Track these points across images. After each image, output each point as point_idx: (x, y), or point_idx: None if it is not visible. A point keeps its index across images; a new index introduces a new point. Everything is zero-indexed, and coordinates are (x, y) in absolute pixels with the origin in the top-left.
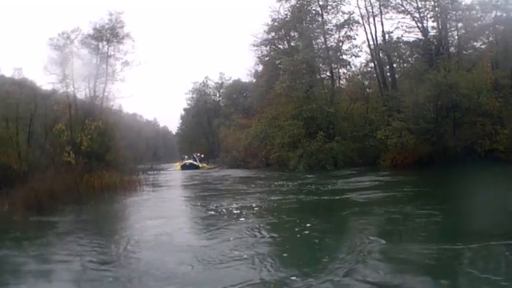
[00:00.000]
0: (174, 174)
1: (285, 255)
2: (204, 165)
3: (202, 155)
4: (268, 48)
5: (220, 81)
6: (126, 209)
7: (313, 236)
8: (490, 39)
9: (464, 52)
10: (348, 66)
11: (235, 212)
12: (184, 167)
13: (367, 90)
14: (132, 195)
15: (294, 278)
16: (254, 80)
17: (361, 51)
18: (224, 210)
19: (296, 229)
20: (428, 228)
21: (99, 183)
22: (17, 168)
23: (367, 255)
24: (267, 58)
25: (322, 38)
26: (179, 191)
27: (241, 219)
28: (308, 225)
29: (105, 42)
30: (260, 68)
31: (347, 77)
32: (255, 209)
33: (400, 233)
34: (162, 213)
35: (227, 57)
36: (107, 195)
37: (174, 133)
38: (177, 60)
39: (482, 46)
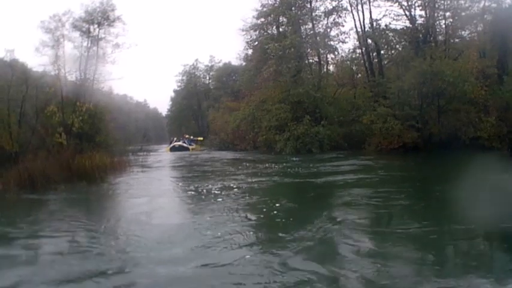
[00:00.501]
0: (163, 155)
1: (255, 233)
2: (193, 146)
3: (192, 137)
4: (257, 32)
5: (210, 64)
6: (115, 189)
7: (283, 215)
8: (478, 28)
9: (451, 41)
10: (336, 52)
11: (216, 192)
12: (173, 149)
13: (356, 75)
14: (122, 176)
15: (260, 254)
16: (244, 64)
17: (348, 37)
18: (206, 190)
19: (269, 209)
20: (400, 210)
21: (90, 164)
22: (8, 149)
23: (327, 232)
24: (256, 43)
25: (310, 24)
26: (167, 171)
27: (220, 199)
28: (280, 205)
29: (96, 25)
30: (250, 52)
31: (335, 62)
32: (236, 189)
33: (368, 213)
34: (148, 192)
35: (217, 40)
36: (98, 176)
37: (164, 115)
38: (168, 43)
39: (470, 35)
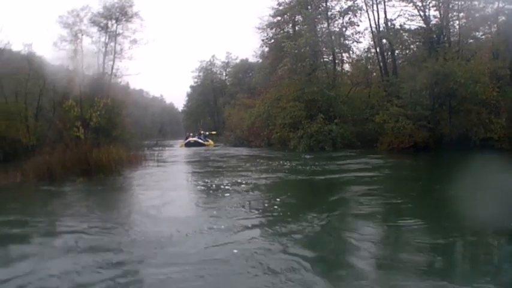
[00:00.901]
0: (178, 150)
1: (260, 226)
2: (209, 142)
3: (208, 133)
4: (273, 30)
5: (226, 61)
6: (131, 182)
7: (294, 211)
8: (492, 29)
9: (465, 41)
10: (351, 52)
11: (227, 187)
12: (188, 145)
13: (371, 75)
14: (138, 169)
15: (264, 246)
16: (260, 61)
17: (363, 37)
18: (218, 185)
19: (277, 204)
20: (405, 207)
21: (107, 157)
22: (25, 141)
23: (333, 227)
24: (272, 41)
25: (325, 23)
26: (181, 166)
27: (230, 194)
28: (289, 201)
29: (114, 21)
30: (266, 49)
31: (351, 61)
32: (248, 185)
33: (370, 208)
34: (161, 186)
35: (234, 37)
36: (115, 169)
37: (180, 110)
38: (185, 39)
39: (483, 36)
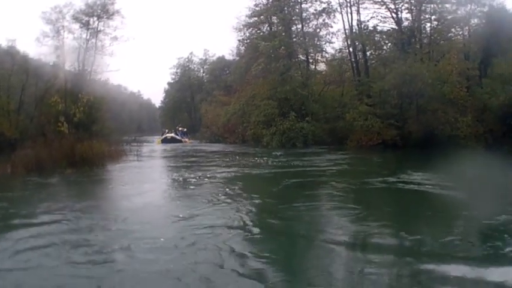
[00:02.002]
0: (156, 146)
1: (222, 214)
2: (186, 140)
3: (185, 129)
4: (250, 30)
5: (204, 58)
6: (113, 174)
7: (263, 202)
8: (464, 31)
9: (436, 43)
10: (324, 52)
11: (198, 180)
12: (165, 141)
13: (345, 74)
14: (119, 163)
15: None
16: (237, 59)
17: (336, 38)
18: (192, 178)
19: (245, 196)
20: (363, 199)
21: (91, 151)
22: (8, 135)
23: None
24: (248, 41)
25: (300, 24)
26: (159, 161)
27: (199, 185)
28: (257, 192)
29: (95, 18)
30: (242, 48)
31: (325, 60)
32: (220, 177)
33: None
34: (140, 178)
35: (212, 33)
36: (98, 162)
37: (158, 106)
38: (162, 36)
39: (454, 38)
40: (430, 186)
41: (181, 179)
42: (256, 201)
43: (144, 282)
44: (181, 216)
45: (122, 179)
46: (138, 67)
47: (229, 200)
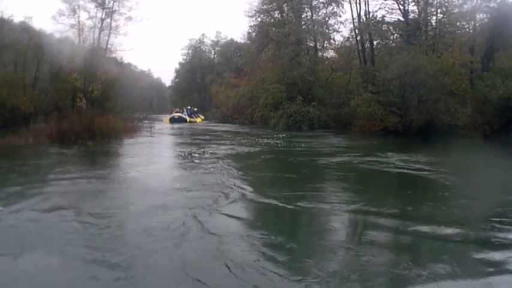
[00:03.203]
0: (165, 124)
1: (218, 187)
2: (196, 119)
3: (196, 109)
4: (262, 16)
5: (216, 40)
6: (130, 147)
7: (262, 176)
8: (470, 25)
9: (441, 35)
10: (332, 40)
11: (207, 155)
12: (172, 120)
13: (353, 61)
14: (134, 138)
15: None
16: (248, 42)
17: (344, 27)
18: (198, 153)
19: (250, 174)
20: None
21: (108, 126)
22: (24, 109)
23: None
24: (259, 27)
25: (310, 12)
26: (170, 137)
27: (205, 160)
28: (261, 170)
29: None
30: (254, 33)
31: (333, 47)
32: (229, 154)
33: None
34: (154, 152)
35: (223, 16)
36: (114, 136)
37: (168, 85)
38: (172, 16)
39: (459, 31)
40: (422, 169)
41: (188, 154)
42: (260, 174)
43: (138, 233)
44: (180, 186)
45: (136, 152)
46: (148, 46)
47: (229, 172)
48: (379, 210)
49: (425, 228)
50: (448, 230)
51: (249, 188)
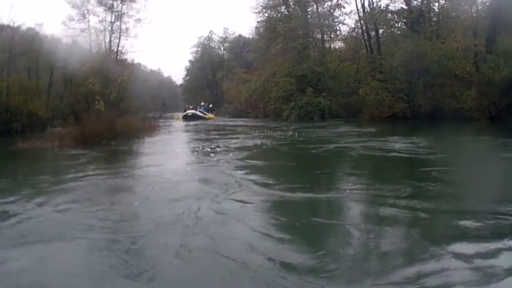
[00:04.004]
0: (177, 123)
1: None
2: (211, 115)
3: (211, 105)
4: (269, 11)
5: (224, 36)
6: (150, 145)
7: (275, 166)
8: (471, 9)
9: (444, 20)
10: (338, 32)
11: (226, 149)
12: (186, 118)
13: (360, 51)
14: (153, 136)
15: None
16: (256, 37)
17: (349, 18)
18: (218, 147)
19: (271, 164)
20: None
21: (128, 126)
22: (41, 114)
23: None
24: (266, 22)
25: (315, 5)
26: (188, 134)
27: (225, 153)
28: (279, 160)
29: (119, 1)
30: (261, 28)
31: (341, 38)
32: (247, 146)
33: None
34: (174, 149)
35: (231, 12)
36: (135, 136)
37: (178, 84)
38: (178, 15)
39: (462, 16)
40: (430, 151)
41: (207, 148)
42: (278, 163)
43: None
44: (200, 177)
45: (158, 149)
46: (156, 46)
47: (249, 162)
48: (391, 191)
49: (437, 206)
50: (460, 207)
51: (267, 177)
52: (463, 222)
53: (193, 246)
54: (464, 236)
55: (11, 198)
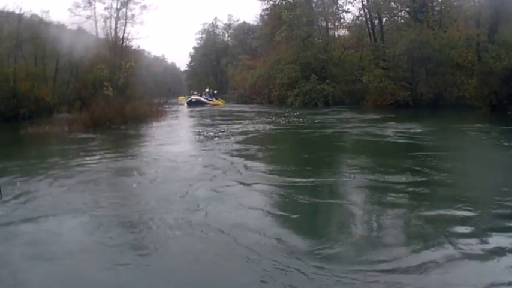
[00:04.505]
0: (184, 109)
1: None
2: (218, 102)
3: (216, 91)
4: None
5: (228, 23)
6: (159, 129)
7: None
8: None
9: (447, 10)
10: (342, 20)
11: (229, 133)
12: (190, 104)
13: (364, 39)
14: (160, 121)
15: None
16: (261, 24)
17: (353, 6)
18: (222, 132)
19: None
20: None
21: (137, 111)
22: (48, 100)
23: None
24: (272, 9)
25: None
26: (195, 118)
27: (229, 136)
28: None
29: None
30: (266, 16)
31: (345, 26)
32: (247, 131)
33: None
34: (180, 133)
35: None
36: (144, 120)
37: (182, 70)
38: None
39: (465, 5)
40: (431, 137)
41: (213, 132)
42: (281, 147)
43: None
44: (204, 161)
45: (165, 133)
46: (160, 32)
47: (253, 146)
48: (390, 174)
49: (436, 190)
50: (459, 192)
51: (268, 160)
52: (462, 209)
53: (194, 221)
54: (463, 221)
55: (27, 178)
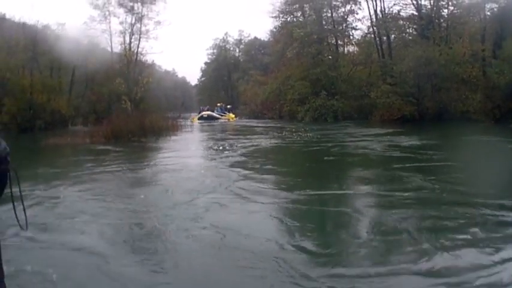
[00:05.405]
0: (195, 122)
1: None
2: (230, 117)
3: (229, 106)
4: (285, 15)
5: (239, 38)
6: (177, 141)
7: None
8: (480, 15)
9: (453, 26)
10: (351, 37)
11: (243, 146)
12: (201, 119)
13: (373, 55)
14: (178, 134)
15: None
16: (271, 39)
17: (362, 24)
18: (236, 145)
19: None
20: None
21: (155, 124)
22: (64, 112)
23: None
24: (283, 26)
25: (329, 11)
26: (209, 132)
27: (241, 150)
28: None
29: (139, 3)
30: (276, 32)
31: (354, 42)
32: (260, 145)
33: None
34: (197, 145)
35: (245, 15)
36: (161, 133)
37: (193, 84)
38: (193, 17)
39: (470, 21)
40: (437, 150)
41: (228, 145)
42: (291, 160)
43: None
44: (217, 173)
45: (184, 146)
46: (171, 47)
47: (266, 158)
48: (397, 183)
49: (443, 197)
50: (465, 199)
51: (278, 173)
52: (469, 214)
53: (203, 228)
54: (471, 225)
55: (53, 184)
